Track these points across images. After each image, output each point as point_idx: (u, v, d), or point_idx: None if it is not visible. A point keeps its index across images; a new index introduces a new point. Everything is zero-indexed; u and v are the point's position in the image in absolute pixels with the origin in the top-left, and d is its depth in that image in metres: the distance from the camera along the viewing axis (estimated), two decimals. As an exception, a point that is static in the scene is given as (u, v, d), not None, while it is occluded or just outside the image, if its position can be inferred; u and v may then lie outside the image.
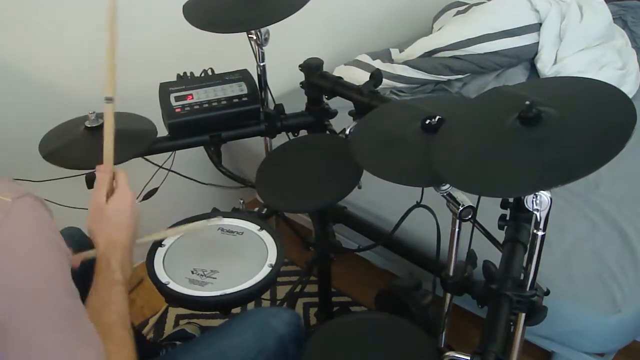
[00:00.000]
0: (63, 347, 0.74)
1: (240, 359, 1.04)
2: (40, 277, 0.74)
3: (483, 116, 0.95)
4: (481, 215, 1.04)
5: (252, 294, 1.10)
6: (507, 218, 1.07)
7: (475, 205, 1.03)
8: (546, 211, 0.86)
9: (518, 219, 1.06)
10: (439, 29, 2.27)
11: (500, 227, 1.07)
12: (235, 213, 1.30)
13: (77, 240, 1.15)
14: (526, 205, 0.85)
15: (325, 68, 1.44)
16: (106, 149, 1.04)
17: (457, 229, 1.10)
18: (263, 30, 1.34)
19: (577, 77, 1.58)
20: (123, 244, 0.98)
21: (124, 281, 0.95)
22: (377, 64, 2.14)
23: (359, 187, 1.20)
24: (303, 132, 1.46)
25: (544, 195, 0.84)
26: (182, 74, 1.43)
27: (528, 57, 2.12)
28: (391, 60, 2.20)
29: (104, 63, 1.03)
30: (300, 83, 1.45)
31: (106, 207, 0.99)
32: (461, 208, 1.04)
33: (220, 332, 1.10)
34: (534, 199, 0.84)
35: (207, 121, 1.34)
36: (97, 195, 0.99)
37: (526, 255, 0.97)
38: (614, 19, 2.23)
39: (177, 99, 1.35)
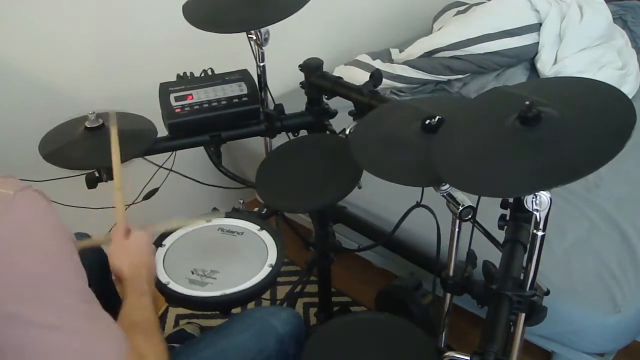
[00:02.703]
0: (84, 329, 0.75)
1: (241, 358, 1.05)
2: (49, 265, 0.75)
3: (483, 116, 0.95)
4: (481, 215, 1.04)
5: (252, 294, 1.10)
6: (507, 218, 1.07)
7: (475, 205, 1.03)
8: (546, 211, 0.86)
9: (518, 219, 1.06)
10: (439, 29, 2.27)
11: (500, 227, 1.07)
12: (235, 213, 1.30)
13: None
14: (526, 205, 0.85)
15: (325, 68, 1.44)
16: (119, 209, 1.11)
17: (457, 229, 1.10)
18: (263, 30, 1.34)
19: (577, 77, 1.58)
20: (146, 265, 1.04)
21: (151, 293, 1.00)
22: (377, 64, 2.14)
23: (359, 187, 1.20)
24: (303, 132, 1.46)
25: (544, 196, 0.84)
26: (182, 74, 1.43)
27: (528, 57, 2.12)
28: (391, 60, 2.20)
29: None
30: (300, 83, 1.45)
31: (126, 242, 1.06)
32: (461, 208, 1.04)
33: (220, 332, 1.10)
34: (534, 199, 0.84)
35: (207, 121, 1.34)
36: (116, 238, 1.07)
37: (526, 255, 0.97)
38: (614, 19, 2.23)
39: (177, 99, 1.35)
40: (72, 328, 0.74)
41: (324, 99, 1.44)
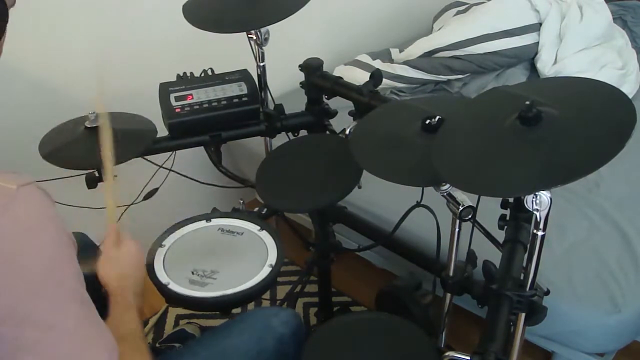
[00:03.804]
0: (78, 332, 0.75)
1: None
2: (52, 262, 0.74)
3: (483, 116, 0.95)
4: (481, 215, 1.04)
5: (252, 295, 1.10)
6: (507, 218, 1.07)
7: (475, 205, 1.03)
8: (546, 211, 0.86)
9: (518, 219, 1.06)
10: (439, 29, 2.27)
11: (500, 227, 1.07)
12: (235, 213, 1.30)
13: (82, 246, 1.15)
14: (526, 205, 0.85)
15: (325, 68, 1.44)
16: (110, 211, 1.08)
17: (457, 229, 1.10)
18: (263, 30, 1.34)
19: (577, 77, 1.58)
20: (134, 277, 1.02)
21: (137, 306, 0.99)
22: (377, 64, 2.14)
23: (359, 187, 1.20)
24: (303, 132, 1.46)
25: (544, 195, 0.84)
26: (182, 74, 1.43)
27: (528, 57, 2.12)
28: (391, 60, 2.20)
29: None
30: (300, 83, 1.45)
31: (115, 253, 1.04)
32: (461, 208, 1.04)
33: (220, 333, 1.10)
34: (534, 199, 0.84)
35: (207, 121, 1.34)
36: (106, 247, 1.05)
37: (526, 255, 0.97)
38: (614, 19, 2.23)
39: (177, 99, 1.35)
40: (65, 328, 0.73)
41: (324, 99, 1.44)
